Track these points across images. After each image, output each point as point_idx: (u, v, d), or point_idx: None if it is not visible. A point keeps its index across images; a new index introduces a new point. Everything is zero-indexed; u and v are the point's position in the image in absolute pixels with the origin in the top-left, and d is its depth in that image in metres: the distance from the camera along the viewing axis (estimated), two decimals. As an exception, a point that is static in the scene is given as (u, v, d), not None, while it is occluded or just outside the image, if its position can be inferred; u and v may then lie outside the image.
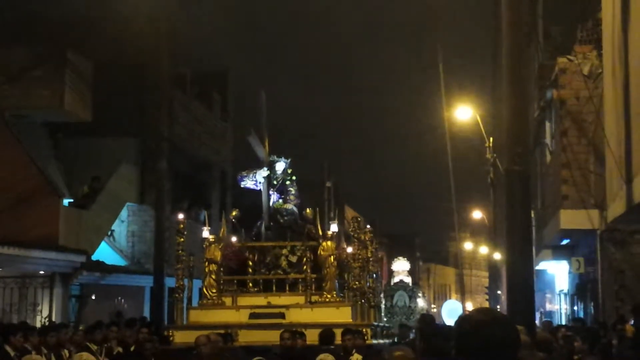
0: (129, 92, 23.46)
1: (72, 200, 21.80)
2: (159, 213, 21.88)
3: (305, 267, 13.99)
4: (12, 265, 18.11)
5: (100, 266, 21.31)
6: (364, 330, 12.55)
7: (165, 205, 22.30)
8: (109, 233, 23.69)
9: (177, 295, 14.06)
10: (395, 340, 17.46)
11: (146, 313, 21.82)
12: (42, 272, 19.16)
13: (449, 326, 14.94)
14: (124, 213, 24.24)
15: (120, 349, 12.31)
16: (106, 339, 12.66)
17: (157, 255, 21.44)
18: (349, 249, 14.60)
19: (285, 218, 14.91)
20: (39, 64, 20.90)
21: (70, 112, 21.33)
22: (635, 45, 11.01)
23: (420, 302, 41.93)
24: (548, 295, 27.28)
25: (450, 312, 36.67)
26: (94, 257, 21.18)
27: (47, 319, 18.14)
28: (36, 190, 19.22)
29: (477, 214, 47.16)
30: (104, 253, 22.82)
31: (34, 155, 20.10)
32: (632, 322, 12.32)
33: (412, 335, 16.01)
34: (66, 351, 11.78)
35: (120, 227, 24.33)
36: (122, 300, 22.83)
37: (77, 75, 21.44)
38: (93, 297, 21.71)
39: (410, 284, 37.55)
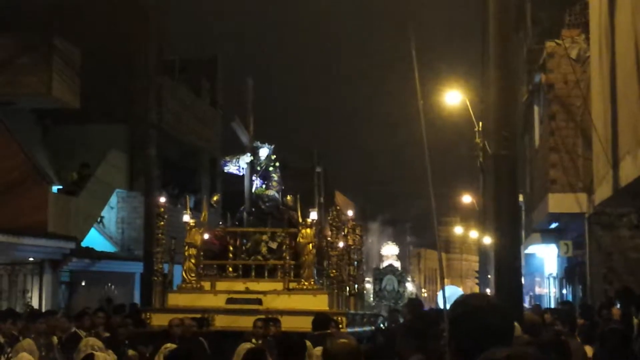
0: (118, 79, 23.37)
1: (61, 187, 21.76)
2: (148, 199, 21.84)
3: (284, 253, 14.00)
4: (2, 252, 18.10)
5: (90, 253, 21.30)
6: (339, 318, 12.54)
7: (154, 192, 22.25)
8: (99, 220, 23.67)
9: (155, 278, 14.07)
10: (385, 324, 17.51)
11: (136, 299, 21.84)
12: (31, 259, 19.15)
13: (437, 310, 15.00)
14: (113, 199, 24.22)
15: (107, 335, 12.32)
16: (94, 325, 12.66)
17: (147, 242, 21.41)
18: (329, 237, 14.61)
19: (267, 204, 14.91)
20: (27, 50, 20.80)
21: (58, 99, 21.25)
22: (622, 29, 11.03)
23: (410, 287, 42.05)
24: (537, 279, 27.40)
25: (449, 298, 36.60)
26: (83, 244, 21.17)
27: (30, 305, 18.11)
28: (25, 177, 19.18)
29: (467, 199, 47.23)
30: (94, 240, 22.81)
31: (22, 142, 20.03)
32: (618, 305, 12.38)
33: (401, 320, 16.07)
34: (55, 337, 11.79)
35: (109, 214, 24.31)
36: (112, 287, 22.83)
37: (65, 61, 21.34)
38: (83, 284, 21.70)
39: (400, 269, 37.62)
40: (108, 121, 23.47)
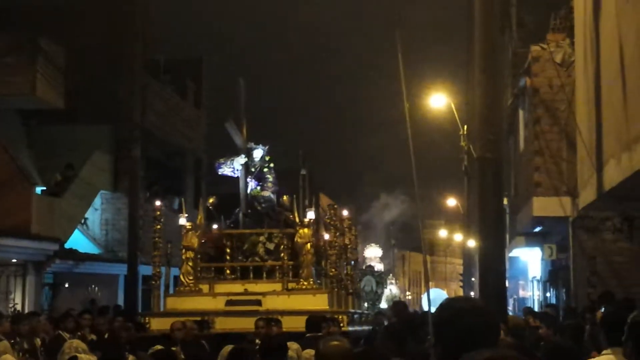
0: (102, 80, 23.29)
1: (45, 188, 21.66)
2: (132, 201, 21.78)
3: (282, 254, 14.04)
4: (-16, 253, 18.00)
5: (74, 254, 21.21)
6: (340, 317, 12.60)
7: (138, 193, 22.20)
8: (83, 221, 23.57)
9: (153, 282, 14.05)
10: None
11: (120, 301, 21.76)
12: (14, 261, 19.04)
13: (422, 313, 15.00)
14: (97, 201, 24.12)
15: (93, 337, 12.27)
16: (79, 326, 12.61)
17: (131, 243, 21.35)
18: (326, 236, 14.67)
19: (263, 205, 14.94)
20: (11, 50, 20.69)
21: (42, 100, 21.14)
22: (607, 34, 11.08)
23: (394, 289, 42.08)
24: (521, 282, 27.49)
25: (433, 301, 36.67)
26: (67, 245, 21.07)
27: (13, 308, 18.02)
28: (8, 178, 19.07)
29: (451, 202, 47.33)
30: (78, 241, 22.71)
31: (6, 142, 19.93)
32: (603, 309, 12.41)
33: (386, 322, 16.09)
34: (38, 340, 11.73)
35: (93, 215, 24.21)
36: (96, 289, 22.74)
37: (50, 62, 21.25)
38: (66, 286, 21.61)
39: (381, 270, 37.65)
40: (93, 122, 23.37)
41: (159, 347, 9.47)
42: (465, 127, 26.71)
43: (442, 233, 70.44)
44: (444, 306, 3.24)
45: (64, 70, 21.72)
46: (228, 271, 14.42)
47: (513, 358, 2.76)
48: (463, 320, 3.09)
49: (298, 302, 13.37)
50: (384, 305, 32.74)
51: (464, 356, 2.77)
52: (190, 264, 13.94)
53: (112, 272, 23.28)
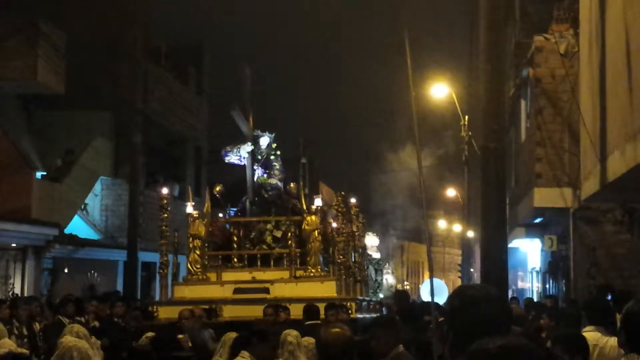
0: (103, 65, 23.20)
1: (45, 173, 21.63)
2: (132, 187, 21.77)
3: (289, 241, 14.03)
4: (-16, 238, 17.97)
5: (73, 240, 21.20)
6: (348, 304, 12.62)
7: (139, 179, 22.18)
8: (83, 206, 23.54)
9: (161, 271, 14.05)
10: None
11: (119, 287, 21.77)
12: (14, 245, 19.02)
13: (423, 302, 15.01)
14: (97, 186, 24.09)
15: (97, 323, 12.25)
16: (82, 312, 12.58)
17: (131, 229, 21.34)
18: (334, 224, 14.67)
19: (270, 193, 14.91)
20: (12, 34, 20.58)
21: (43, 84, 21.05)
22: (612, 24, 11.02)
23: (390, 279, 42.07)
24: (520, 273, 27.47)
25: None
26: (66, 231, 21.06)
27: (11, 292, 18.02)
28: (9, 162, 19.02)
29: (451, 192, 47.31)
30: (77, 227, 22.69)
31: (7, 127, 19.89)
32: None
33: (383, 310, 16.08)
34: (37, 324, 11.71)
35: (93, 201, 24.19)
36: (95, 274, 22.73)
37: (51, 46, 21.14)
38: (66, 271, 21.59)
39: (378, 259, 37.61)
40: (93, 107, 23.31)
41: (150, 334, 9.45)
42: (467, 117, 26.70)
43: (441, 223, 70.46)
44: (457, 294, 3.20)
45: (65, 55, 21.61)
46: (235, 259, 14.41)
47: (525, 346, 2.74)
48: (476, 308, 3.06)
49: (306, 290, 13.37)
50: (380, 295, 32.74)
51: (476, 344, 2.74)
52: (198, 252, 13.92)
53: (111, 257, 23.28)
